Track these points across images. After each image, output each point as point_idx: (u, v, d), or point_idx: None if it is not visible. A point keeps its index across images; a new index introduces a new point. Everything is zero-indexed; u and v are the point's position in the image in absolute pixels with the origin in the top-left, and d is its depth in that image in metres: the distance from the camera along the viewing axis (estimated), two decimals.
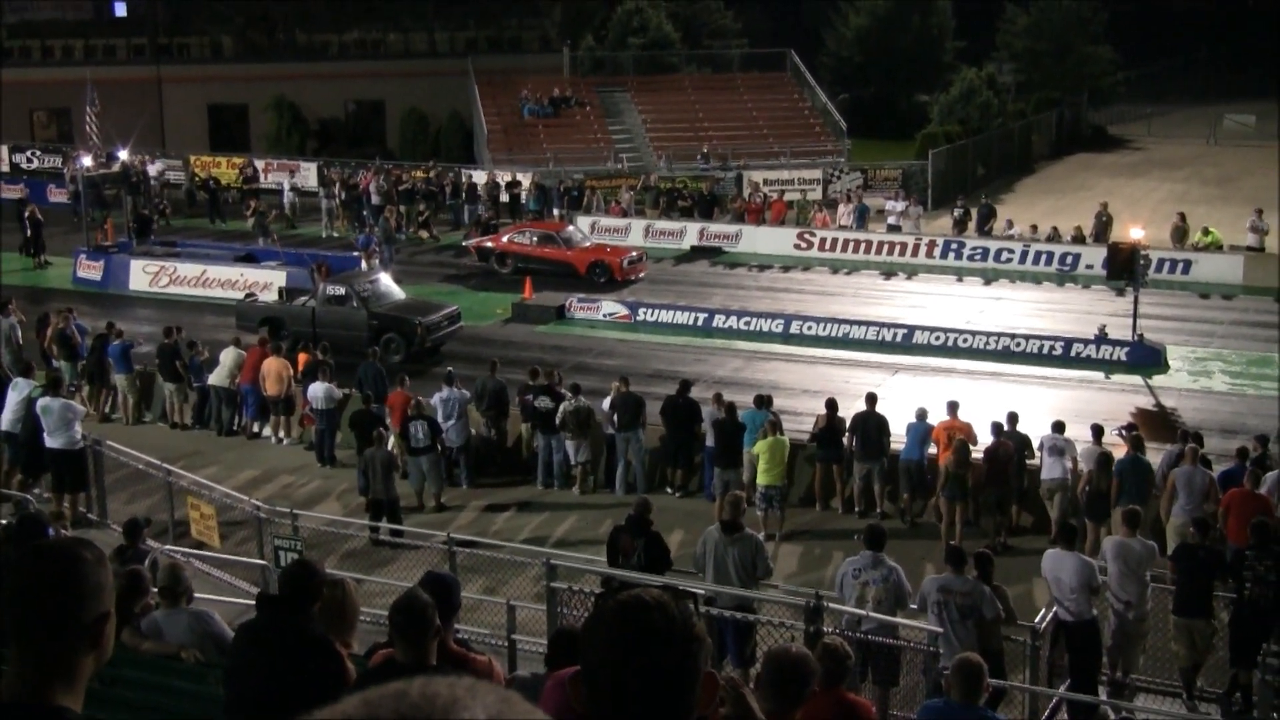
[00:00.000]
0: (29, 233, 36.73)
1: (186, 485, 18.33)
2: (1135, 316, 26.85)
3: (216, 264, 33.21)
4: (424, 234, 40.31)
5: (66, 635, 2.79)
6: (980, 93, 52.98)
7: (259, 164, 47.65)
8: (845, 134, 49.34)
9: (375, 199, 40.97)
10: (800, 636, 11.22)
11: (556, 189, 42.36)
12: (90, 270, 34.18)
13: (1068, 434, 18.71)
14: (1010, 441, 18.82)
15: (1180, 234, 35.74)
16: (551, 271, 33.66)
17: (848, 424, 19.85)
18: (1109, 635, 13.75)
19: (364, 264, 32.17)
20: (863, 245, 37.39)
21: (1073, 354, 26.96)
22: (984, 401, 21.93)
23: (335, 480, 21.30)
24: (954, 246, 36.66)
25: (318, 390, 21.78)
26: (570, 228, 36.64)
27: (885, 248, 37.19)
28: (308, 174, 47.14)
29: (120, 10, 60.90)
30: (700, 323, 29.71)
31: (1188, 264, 34.07)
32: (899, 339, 28.12)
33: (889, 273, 35.80)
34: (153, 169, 46.48)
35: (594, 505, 20.34)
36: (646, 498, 15.73)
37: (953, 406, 19.56)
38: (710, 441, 20.07)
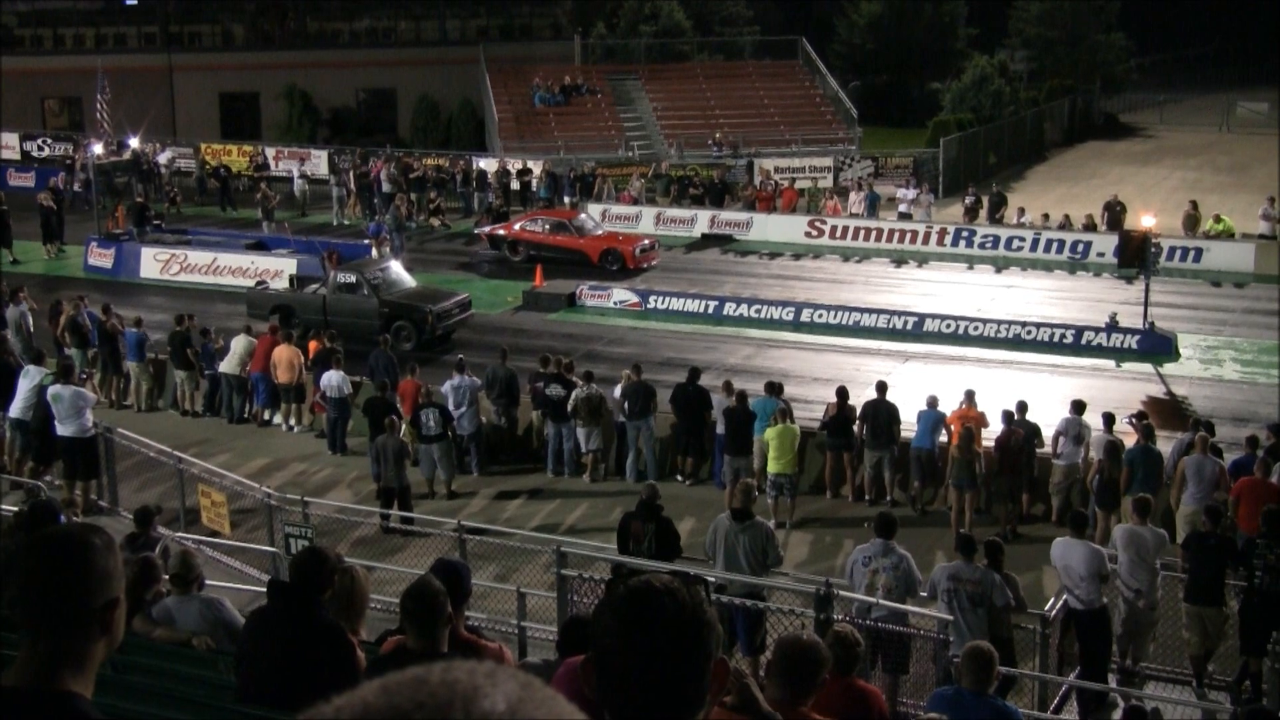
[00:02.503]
0: (42, 220, 36.69)
1: (197, 473, 18.42)
2: (1146, 304, 26.76)
3: (227, 252, 33.19)
4: (435, 222, 40.33)
5: (76, 621, 2.80)
6: (992, 80, 52.77)
7: (270, 152, 47.70)
8: (856, 122, 49.22)
9: (386, 187, 40.97)
10: (810, 624, 11.21)
11: (568, 177, 42.29)
12: (101, 258, 34.18)
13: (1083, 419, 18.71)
14: (1021, 430, 18.78)
15: (1192, 222, 35.62)
16: (563, 259, 33.61)
17: (858, 412, 19.81)
18: (1119, 623, 13.76)
19: (375, 252, 32.18)
20: (874, 233, 37.32)
21: (1084, 342, 26.89)
22: (995, 390, 21.86)
23: (346, 468, 21.34)
24: (965, 234, 36.55)
25: (332, 378, 21.78)
26: (582, 215, 36.56)
27: (896, 235, 37.11)
28: (318, 162, 47.16)
29: None
30: (711, 310, 29.65)
31: (1199, 252, 33.93)
32: (910, 327, 28.05)
33: (900, 261, 35.73)
34: (163, 157, 46.54)
35: (604, 493, 20.35)
36: (654, 483, 15.75)
37: (969, 395, 19.51)
38: (720, 429, 20.01)
